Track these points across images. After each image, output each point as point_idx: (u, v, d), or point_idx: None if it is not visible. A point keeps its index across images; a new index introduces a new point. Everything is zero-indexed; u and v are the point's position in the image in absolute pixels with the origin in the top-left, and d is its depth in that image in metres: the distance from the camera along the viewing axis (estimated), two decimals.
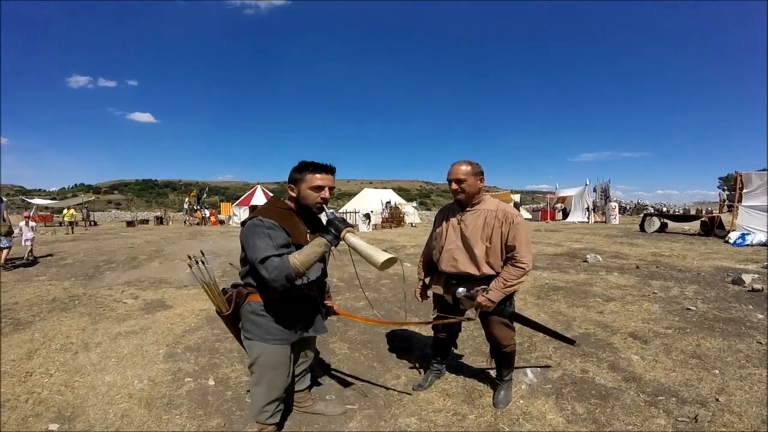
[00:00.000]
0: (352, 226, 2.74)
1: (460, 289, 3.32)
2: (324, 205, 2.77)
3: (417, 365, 4.44)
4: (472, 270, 3.33)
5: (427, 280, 3.83)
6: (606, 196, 31.70)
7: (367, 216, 25.76)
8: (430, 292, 3.79)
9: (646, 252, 12.40)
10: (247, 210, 31.71)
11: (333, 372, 4.33)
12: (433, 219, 3.86)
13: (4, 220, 11.86)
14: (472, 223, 3.34)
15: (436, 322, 3.63)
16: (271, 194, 34.05)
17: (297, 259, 2.44)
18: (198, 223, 34.19)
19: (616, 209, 29.50)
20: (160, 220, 36.50)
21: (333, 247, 2.65)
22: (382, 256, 2.52)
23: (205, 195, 43.74)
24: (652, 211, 28.82)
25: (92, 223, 35.58)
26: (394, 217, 29.04)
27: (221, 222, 35.05)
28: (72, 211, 21.28)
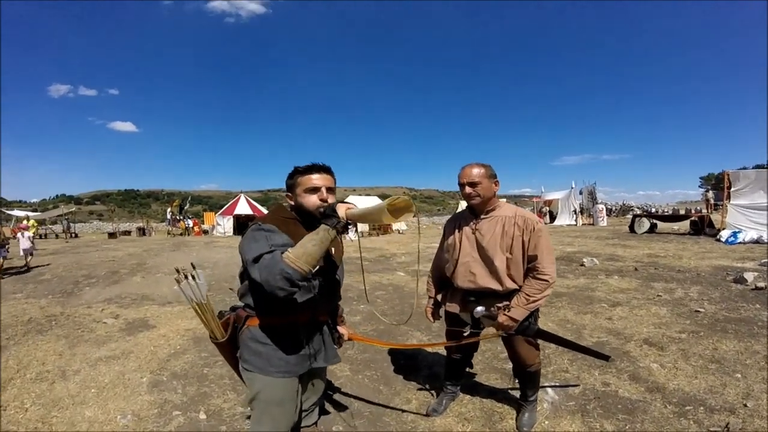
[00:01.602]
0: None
1: (479, 308, 3.01)
2: None
3: (427, 386, 4.13)
4: (493, 285, 3.02)
5: (439, 297, 3.50)
6: (593, 199, 31.79)
7: (355, 224, 25.29)
8: (442, 311, 3.47)
9: (641, 253, 12.41)
10: (231, 219, 31.29)
11: (339, 397, 4.00)
12: (443, 228, 3.49)
13: None
14: (489, 231, 3.03)
15: (464, 341, 3.28)
16: (255, 203, 33.68)
17: (291, 252, 1.94)
18: (181, 234, 33.54)
19: (604, 211, 29.61)
20: (142, 231, 35.78)
21: (339, 235, 2.16)
22: (390, 205, 2.03)
23: (188, 205, 43.11)
24: (639, 212, 28.99)
25: (73, 235, 34.95)
26: (381, 225, 28.68)
27: (205, 232, 34.41)
28: (33, 221, 20.89)
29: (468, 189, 2.98)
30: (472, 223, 3.12)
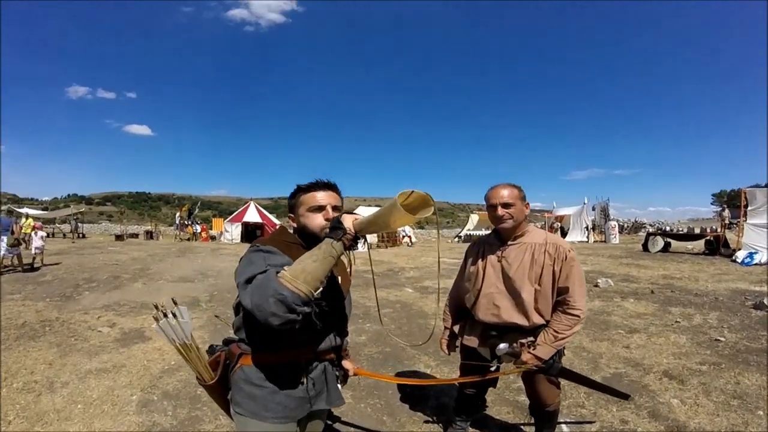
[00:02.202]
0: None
1: (502, 345, 2.70)
2: None
3: (434, 419, 3.85)
4: (518, 320, 2.73)
5: (456, 329, 3.21)
6: (605, 215, 31.18)
7: (365, 238, 25.02)
8: (457, 342, 3.20)
9: (656, 274, 12.05)
10: (239, 226, 31.11)
11: (339, 427, 3.76)
12: (465, 254, 3.17)
13: (13, 233, 12.86)
14: (517, 259, 2.74)
15: (482, 378, 2.98)
16: (264, 211, 33.48)
17: (288, 270, 1.61)
18: (188, 239, 33.46)
19: (616, 228, 29.17)
20: (150, 235, 35.78)
21: (347, 251, 1.80)
22: (403, 203, 1.60)
23: (197, 209, 43.07)
24: (650, 229, 28.57)
25: (80, 235, 34.98)
26: (389, 237, 28.49)
27: (213, 238, 34.28)
28: (30, 221, 20.91)
29: (500, 210, 2.70)
30: (498, 251, 2.84)
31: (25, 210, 36.45)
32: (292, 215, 2.09)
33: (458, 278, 3.22)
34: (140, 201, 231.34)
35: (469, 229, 36.98)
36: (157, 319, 1.96)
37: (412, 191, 1.63)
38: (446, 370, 4.96)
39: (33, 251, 14.02)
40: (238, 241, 30.27)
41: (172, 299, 2.10)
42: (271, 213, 35.36)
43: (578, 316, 2.64)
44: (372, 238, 26.55)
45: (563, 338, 2.64)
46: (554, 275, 2.67)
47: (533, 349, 2.63)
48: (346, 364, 2.32)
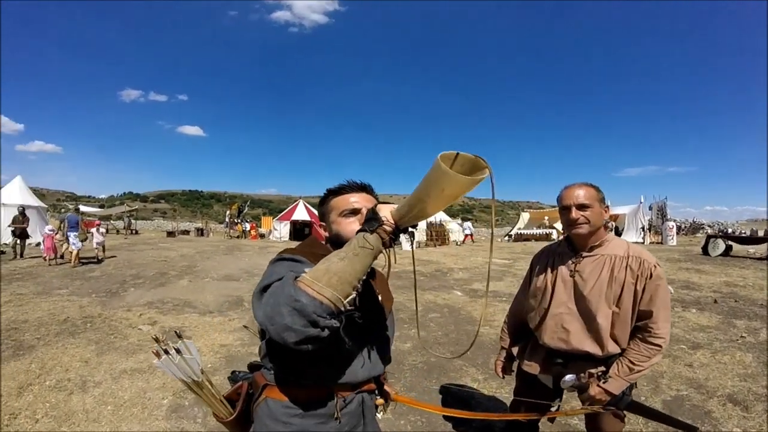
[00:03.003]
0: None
1: (568, 377, 2.30)
2: None
3: None
4: (590, 348, 2.30)
5: (514, 351, 2.77)
6: (662, 215, 29.84)
7: (411, 234, 24.72)
8: (514, 365, 2.79)
9: (719, 281, 11.37)
10: (288, 224, 31.24)
11: None
12: (530, 264, 2.77)
13: (81, 230, 14.01)
14: (593, 275, 2.30)
15: (542, 416, 2.57)
16: (313, 209, 33.49)
17: (308, 272, 1.25)
18: (238, 237, 33.82)
19: (674, 229, 27.92)
20: (200, 232, 36.38)
21: (386, 248, 1.39)
22: (448, 167, 1.16)
23: (247, 208, 43.53)
24: (710, 231, 27.40)
25: (134, 231, 35.82)
26: (438, 235, 28.08)
27: (261, 236, 34.56)
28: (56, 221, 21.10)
29: (575, 213, 2.30)
30: (571, 262, 2.43)
31: (82, 208, 37.60)
32: (323, 224, 1.77)
33: (520, 292, 2.81)
34: (192, 199, 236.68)
35: (519, 228, 36.26)
36: (158, 355, 1.68)
37: (457, 153, 1.22)
38: (494, 384, 4.64)
39: (94, 245, 15.30)
40: (287, 239, 30.45)
41: (175, 332, 1.84)
42: None
43: (660, 346, 2.22)
44: (420, 236, 26.15)
45: (640, 371, 2.22)
46: (636, 296, 2.24)
47: (604, 383, 2.23)
48: (387, 389, 1.93)
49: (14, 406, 3.95)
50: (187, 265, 14.07)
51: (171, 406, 4.00)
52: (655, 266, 2.22)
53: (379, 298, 1.76)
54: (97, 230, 16.00)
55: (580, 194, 2.28)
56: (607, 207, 2.36)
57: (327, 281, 1.20)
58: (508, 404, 4.05)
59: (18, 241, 15.17)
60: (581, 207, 2.27)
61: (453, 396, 4.38)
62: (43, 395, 4.18)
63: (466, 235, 31.90)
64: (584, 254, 2.35)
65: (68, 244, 13.58)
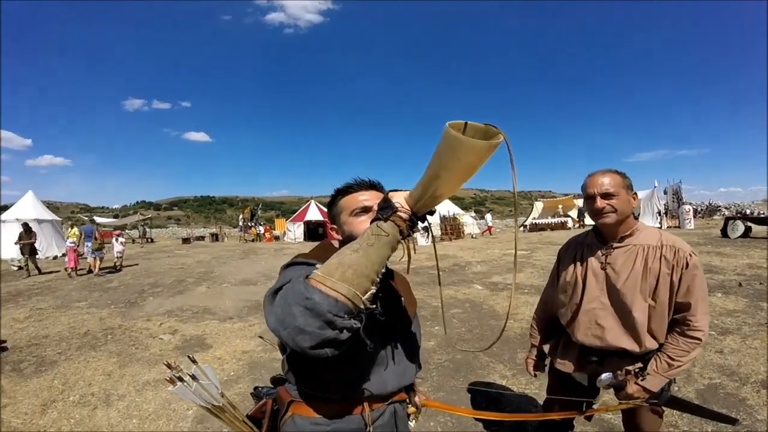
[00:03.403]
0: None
1: (604, 376, 2.17)
2: None
3: None
4: (627, 344, 2.18)
5: (545, 348, 2.66)
6: (678, 199, 29.34)
7: (426, 228, 24.51)
8: (546, 361, 2.69)
9: (741, 264, 11.15)
10: (302, 225, 31.26)
11: None
12: (557, 257, 2.64)
13: (96, 239, 14.39)
14: (626, 267, 2.18)
15: (579, 415, 2.41)
16: (325, 209, 33.52)
17: (319, 269, 1.13)
18: (253, 240, 33.89)
19: (691, 212, 27.53)
20: (215, 237, 36.50)
21: (404, 238, 1.23)
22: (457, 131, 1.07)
23: (259, 211, 43.59)
24: (728, 213, 27.05)
25: (149, 240, 35.98)
26: (453, 229, 27.93)
27: (276, 238, 34.59)
28: (75, 230, 20.78)
29: (600, 202, 2.18)
30: (600, 253, 2.31)
31: (97, 219, 37.84)
32: (334, 226, 1.68)
33: (549, 287, 2.69)
34: (205, 204, 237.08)
35: (534, 218, 36.03)
36: (172, 382, 1.60)
37: (465, 123, 1.10)
38: (523, 381, 4.55)
39: (115, 255, 15.68)
40: (302, 240, 30.48)
41: (189, 356, 1.76)
42: None
43: (699, 339, 2.10)
44: (434, 230, 25.96)
45: (679, 366, 2.11)
46: (672, 287, 2.12)
47: (642, 380, 2.12)
48: (416, 398, 1.82)
49: (39, 423, 3.93)
50: (204, 271, 14.11)
51: (196, 417, 3.95)
52: (690, 255, 2.11)
53: (402, 301, 1.67)
54: (117, 240, 16.39)
55: (605, 182, 2.17)
56: (635, 194, 2.25)
57: (341, 275, 1.08)
58: (538, 400, 4.00)
59: (28, 258, 14.69)
60: (606, 195, 2.15)
61: (481, 394, 4.30)
62: (68, 411, 4.16)
63: (488, 227, 31.84)
64: (615, 245, 2.24)
65: (86, 254, 14.20)
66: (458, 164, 1.09)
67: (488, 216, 34.20)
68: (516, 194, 1.15)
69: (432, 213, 1.29)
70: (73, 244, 14.28)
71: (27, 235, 14.89)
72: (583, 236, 2.47)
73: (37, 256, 15.49)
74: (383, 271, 1.18)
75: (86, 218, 39.78)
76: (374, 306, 1.15)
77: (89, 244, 14.27)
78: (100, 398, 4.42)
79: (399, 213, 1.20)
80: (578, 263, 2.37)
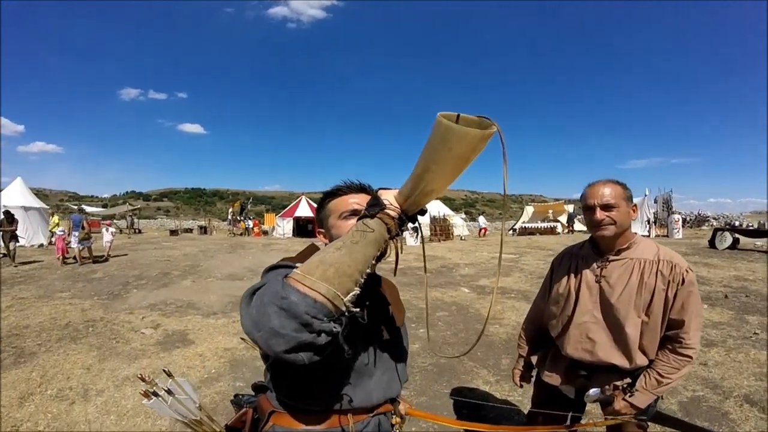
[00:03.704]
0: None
1: (593, 391, 2.11)
2: None
3: None
4: (617, 360, 2.13)
5: (533, 359, 2.61)
6: (668, 208, 29.48)
7: (416, 229, 24.31)
8: (533, 372, 2.65)
9: (728, 275, 11.20)
10: (291, 221, 31.14)
11: None
12: (550, 267, 2.59)
13: (83, 228, 14.53)
14: (621, 281, 2.13)
15: (564, 428, 2.30)
16: (316, 205, 33.36)
17: (299, 268, 1.04)
18: (241, 234, 33.69)
19: (680, 222, 27.63)
20: (204, 230, 36.27)
21: (393, 238, 1.19)
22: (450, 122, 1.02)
23: (249, 205, 43.41)
24: (716, 223, 27.15)
25: (136, 231, 35.75)
26: (442, 230, 27.88)
27: (265, 233, 34.43)
28: (56, 218, 20.25)
29: (599, 214, 2.13)
30: (595, 266, 2.25)
31: (85, 208, 37.58)
32: (322, 230, 1.62)
33: (539, 297, 2.63)
34: (195, 196, 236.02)
35: (524, 222, 36.04)
36: (146, 396, 1.54)
37: (458, 115, 1.04)
38: (506, 387, 4.53)
39: (104, 244, 16.22)
40: (290, 236, 30.35)
41: (164, 370, 1.70)
42: None
43: (690, 357, 2.07)
44: (423, 231, 25.99)
45: (668, 383, 2.08)
46: (666, 303, 2.08)
47: (630, 396, 2.09)
48: (400, 406, 1.72)
49: (16, 417, 3.87)
50: (190, 264, 13.99)
51: None
52: (687, 271, 2.06)
53: (390, 309, 1.60)
54: (107, 230, 16.92)
55: (605, 193, 2.11)
56: (635, 206, 2.20)
57: (321, 274, 1.00)
58: (521, 408, 3.97)
59: (10, 245, 14.06)
60: (606, 207, 2.10)
61: (465, 399, 4.25)
62: (45, 405, 4.09)
63: (482, 228, 31.81)
64: (611, 258, 2.19)
65: (73, 244, 14.26)
66: (450, 156, 1.04)
67: (481, 218, 34.19)
68: (506, 187, 1.09)
69: (423, 213, 1.25)
70: (62, 233, 14.57)
71: (9, 222, 14.48)
72: (578, 247, 2.42)
73: (18, 244, 14.86)
74: (368, 271, 1.10)
75: (75, 207, 39.53)
76: (357, 309, 1.06)
77: (76, 233, 14.35)
78: (79, 393, 4.34)
79: (387, 210, 1.15)
80: (572, 275, 2.32)
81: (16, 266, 13.35)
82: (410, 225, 1.23)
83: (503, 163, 1.07)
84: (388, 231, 1.14)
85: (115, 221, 38.85)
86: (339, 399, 1.41)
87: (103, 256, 15.44)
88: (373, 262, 1.12)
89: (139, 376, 1.57)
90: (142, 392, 1.50)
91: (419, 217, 1.26)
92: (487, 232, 32.53)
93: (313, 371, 1.14)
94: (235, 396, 1.78)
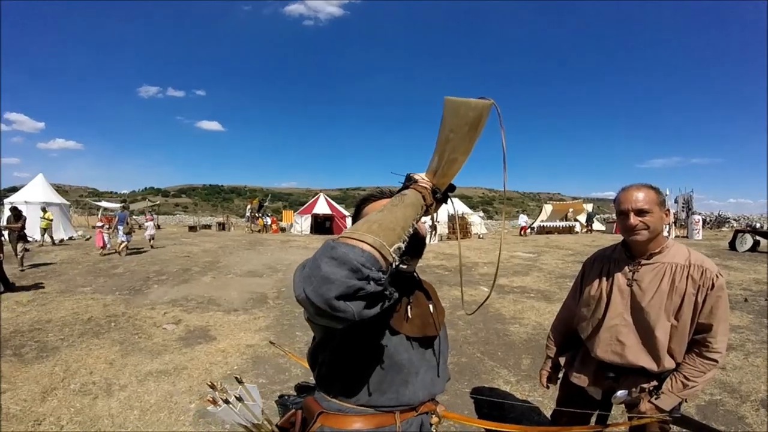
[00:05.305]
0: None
1: (620, 393, 2.15)
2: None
3: None
4: (646, 363, 2.14)
5: (561, 361, 2.60)
6: (689, 208, 29.08)
7: (433, 227, 24.36)
8: (560, 373, 2.64)
9: (748, 278, 11.03)
10: (309, 218, 31.18)
11: None
12: (581, 270, 2.59)
13: (127, 223, 16.16)
14: (653, 285, 2.13)
15: (588, 429, 2.41)
16: (333, 203, 33.31)
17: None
18: (259, 231, 33.82)
19: (700, 223, 27.23)
20: (222, 226, 36.47)
21: (430, 208, 1.30)
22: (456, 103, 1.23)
23: (267, 202, 43.60)
24: (737, 225, 26.76)
25: (156, 227, 35.97)
26: (460, 228, 27.75)
27: (282, 230, 34.56)
28: (48, 214, 18.96)
29: (633, 219, 2.13)
30: (627, 269, 2.25)
31: (103, 203, 37.91)
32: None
33: (569, 299, 2.63)
34: (213, 193, 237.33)
35: (542, 220, 35.77)
36: (215, 403, 1.54)
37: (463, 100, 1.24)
38: (527, 387, 4.51)
39: (147, 237, 18.81)
40: (308, 233, 30.40)
41: (236, 378, 1.71)
42: (339, 204, 35.20)
43: (716, 361, 2.06)
44: (441, 228, 25.89)
45: (694, 387, 2.07)
46: (696, 307, 2.08)
47: (656, 399, 2.09)
48: (437, 408, 1.70)
49: (39, 411, 3.88)
50: (210, 260, 14.09)
51: (198, 411, 3.90)
52: (717, 276, 2.06)
53: (431, 308, 1.63)
54: (149, 224, 19.45)
55: (639, 198, 2.11)
56: (668, 210, 2.20)
57: (367, 229, 1.06)
58: (541, 409, 3.94)
59: (17, 247, 12.17)
60: (640, 212, 2.11)
61: (486, 399, 4.24)
62: (68, 399, 4.11)
63: (522, 227, 31.14)
64: (643, 262, 2.19)
65: (117, 237, 15.94)
66: (463, 122, 1.23)
67: (522, 216, 33.53)
68: (505, 163, 1.31)
69: (452, 189, 1.38)
70: (101, 227, 16.28)
71: (15, 219, 12.62)
72: (611, 250, 2.42)
73: (25, 244, 12.47)
74: (410, 231, 1.17)
75: (94, 202, 39.96)
76: (402, 261, 1.22)
77: (121, 227, 15.84)
78: (101, 387, 4.36)
79: (420, 183, 1.30)
80: (604, 278, 2.32)
81: (23, 270, 11.64)
82: (428, 225, 1.29)
83: (501, 133, 1.27)
84: (423, 199, 1.26)
85: (134, 217, 39.26)
86: (388, 397, 1.44)
87: (151, 245, 18.18)
88: (413, 222, 1.20)
89: (209, 384, 1.62)
90: (210, 399, 1.53)
91: (443, 206, 1.40)
92: (526, 232, 31.56)
93: (365, 364, 1.33)
94: (280, 396, 1.79)
